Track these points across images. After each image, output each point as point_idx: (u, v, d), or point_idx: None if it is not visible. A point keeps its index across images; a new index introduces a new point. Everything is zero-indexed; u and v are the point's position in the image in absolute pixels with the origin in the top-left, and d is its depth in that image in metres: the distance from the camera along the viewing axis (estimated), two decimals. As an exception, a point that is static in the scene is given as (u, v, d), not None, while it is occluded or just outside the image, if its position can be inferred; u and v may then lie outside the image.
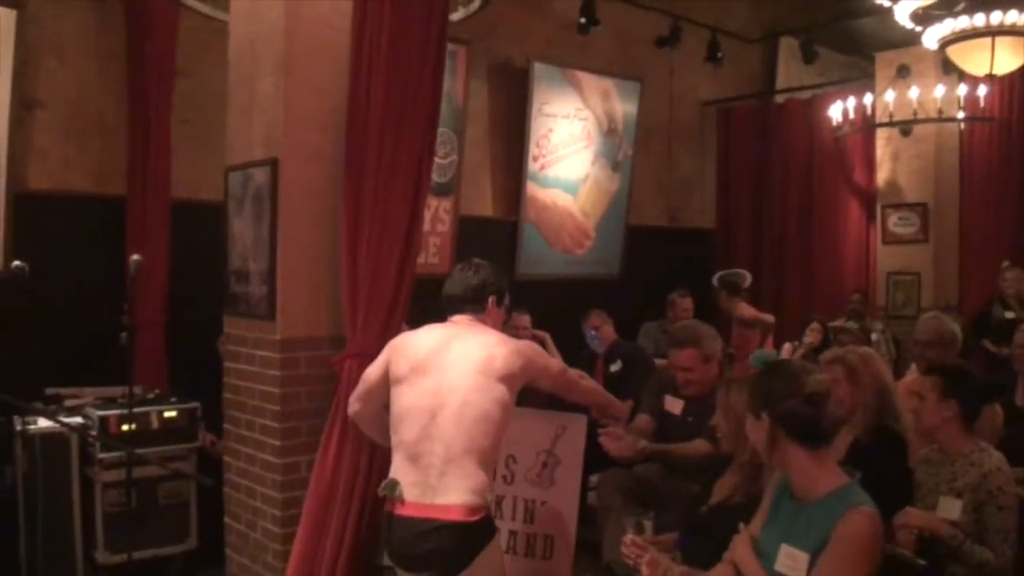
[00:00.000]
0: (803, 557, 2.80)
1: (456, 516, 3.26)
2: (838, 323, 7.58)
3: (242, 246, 4.58)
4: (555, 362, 3.93)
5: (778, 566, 2.87)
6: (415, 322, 5.18)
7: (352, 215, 4.14)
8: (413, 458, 3.37)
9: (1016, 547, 3.55)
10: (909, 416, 4.17)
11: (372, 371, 3.63)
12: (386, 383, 3.53)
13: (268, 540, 4.39)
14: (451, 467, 3.30)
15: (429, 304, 5.80)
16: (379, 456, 4.14)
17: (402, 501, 3.34)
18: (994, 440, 4.43)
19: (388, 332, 4.15)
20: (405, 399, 3.44)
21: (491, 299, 3.66)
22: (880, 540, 2.82)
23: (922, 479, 3.89)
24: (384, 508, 3.43)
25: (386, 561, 4.33)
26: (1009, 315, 7.78)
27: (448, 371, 3.41)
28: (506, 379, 3.42)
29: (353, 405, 3.72)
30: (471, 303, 3.64)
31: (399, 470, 3.41)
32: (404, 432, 3.41)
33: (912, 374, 5.24)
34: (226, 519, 4.73)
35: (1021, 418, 5.22)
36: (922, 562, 3.33)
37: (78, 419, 4.98)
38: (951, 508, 3.63)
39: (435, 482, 3.30)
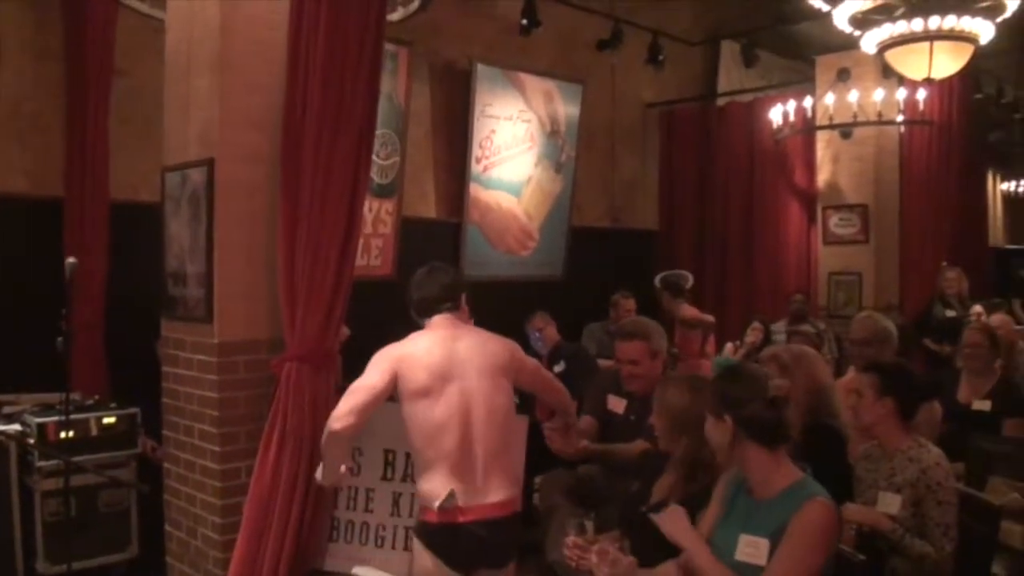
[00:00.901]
0: (763, 543, 2.85)
1: (512, 508, 3.54)
2: (801, 327, 7.63)
3: (179, 248, 4.50)
4: (532, 359, 4.01)
5: (738, 555, 2.91)
6: (357, 324, 5.18)
7: (289, 216, 4.10)
8: (456, 466, 3.47)
9: (956, 540, 3.61)
10: (848, 413, 4.23)
11: (376, 383, 3.57)
12: (385, 397, 3.58)
13: (208, 547, 4.31)
14: (493, 466, 3.50)
15: (372, 306, 5.79)
16: (318, 462, 4.11)
17: (461, 510, 3.44)
18: (933, 436, 4.50)
19: (327, 334, 4.13)
20: (438, 411, 3.52)
21: (463, 296, 3.79)
22: (836, 529, 2.89)
23: (862, 475, 3.96)
24: (436, 522, 3.47)
25: (328, 566, 4.34)
26: (950, 314, 7.93)
27: (465, 374, 3.55)
28: (508, 373, 3.65)
29: (346, 419, 3.46)
30: (448, 302, 3.75)
31: (446, 481, 3.46)
32: (445, 443, 3.48)
33: (851, 372, 5.31)
34: (166, 527, 4.64)
35: (961, 414, 5.32)
36: (862, 557, 3.37)
37: (16, 426, 4.88)
38: (890, 503, 3.69)
39: (481, 484, 3.47)
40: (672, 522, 3.03)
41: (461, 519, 3.44)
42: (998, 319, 6.60)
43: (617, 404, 4.79)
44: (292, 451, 4.06)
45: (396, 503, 4.34)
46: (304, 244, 4.07)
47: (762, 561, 2.82)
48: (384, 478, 4.38)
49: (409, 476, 4.34)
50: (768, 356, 4.52)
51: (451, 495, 3.43)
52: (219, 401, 4.21)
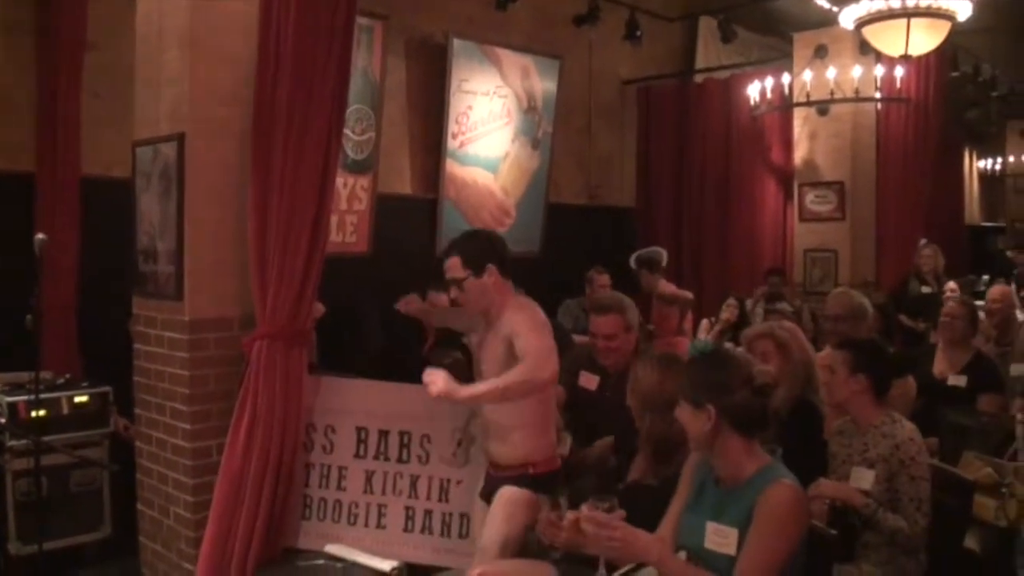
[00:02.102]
0: (732, 532, 2.82)
1: None
2: (778, 305, 7.64)
3: (149, 224, 4.46)
4: None
5: (707, 543, 2.87)
6: (333, 301, 5.14)
7: (260, 191, 4.05)
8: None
9: (929, 515, 3.64)
10: (823, 390, 4.25)
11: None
12: None
13: (181, 526, 4.30)
14: None
15: (348, 283, 5.76)
16: (289, 438, 4.10)
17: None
18: (907, 411, 4.54)
19: (298, 311, 4.09)
20: None
21: None
22: (804, 509, 2.86)
23: (836, 450, 3.98)
24: (557, 469, 3.86)
25: (300, 544, 4.32)
26: (926, 290, 7.98)
27: None
28: None
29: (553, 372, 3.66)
30: None
31: (556, 434, 3.95)
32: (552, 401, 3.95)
33: (827, 349, 5.33)
34: (139, 506, 4.61)
35: (936, 389, 5.36)
36: (834, 532, 3.38)
37: (-14, 405, 4.82)
38: (864, 478, 3.71)
39: None
40: (631, 546, 2.87)
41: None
42: (998, 291, 6.60)
43: (589, 380, 4.77)
44: (263, 429, 4.03)
45: (369, 481, 4.33)
46: (275, 219, 4.03)
47: (731, 550, 2.80)
48: (357, 456, 4.36)
49: (382, 454, 4.33)
50: (761, 332, 4.54)
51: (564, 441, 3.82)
52: (190, 379, 4.18)
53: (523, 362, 3.51)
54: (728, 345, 7.13)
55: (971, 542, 4.16)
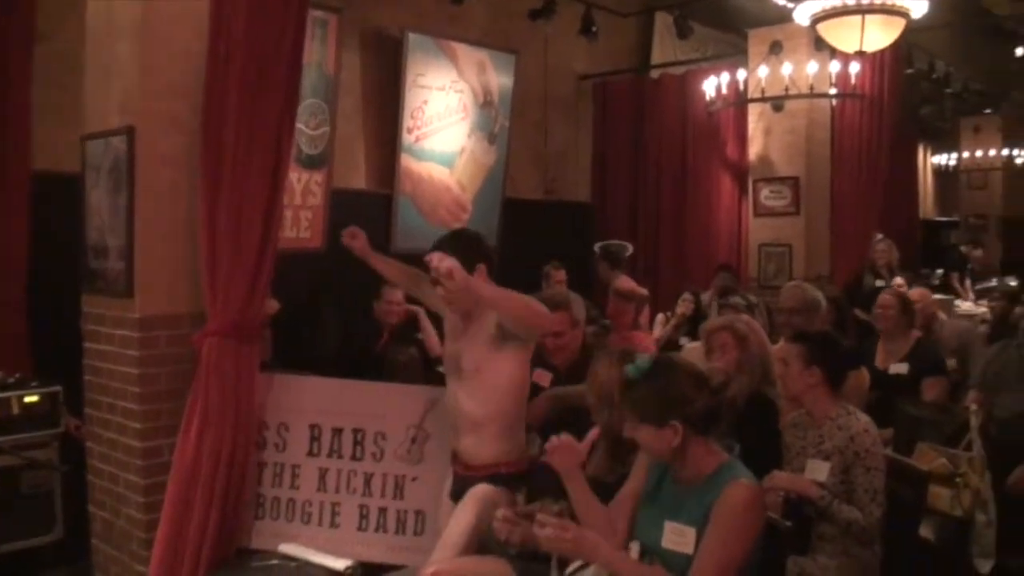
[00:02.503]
0: (689, 531, 2.83)
1: None
2: (731, 299, 7.68)
3: (99, 219, 4.38)
4: None
5: (665, 543, 2.88)
6: (287, 297, 5.10)
7: (210, 186, 3.99)
8: None
9: (883, 506, 3.67)
10: (780, 382, 4.28)
11: None
12: None
13: (133, 528, 4.23)
14: None
15: (302, 279, 5.70)
16: (241, 437, 4.05)
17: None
18: (861, 403, 4.59)
19: (250, 308, 4.04)
20: None
21: None
22: (761, 508, 2.87)
23: (791, 442, 4.01)
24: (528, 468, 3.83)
25: (254, 544, 4.28)
26: (880, 283, 8.06)
27: None
28: None
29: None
30: None
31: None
32: None
33: (781, 342, 5.37)
34: (90, 507, 4.54)
35: (880, 379, 5.42)
36: (788, 523, 3.40)
37: (-66, 405, 4.72)
38: (819, 470, 3.75)
39: None
40: (583, 546, 2.89)
41: None
42: (917, 293, 6.72)
43: (542, 377, 4.75)
44: (214, 428, 3.98)
45: (322, 479, 4.29)
46: (226, 214, 3.97)
47: (689, 550, 2.81)
48: (310, 454, 4.33)
49: (336, 451, 4.30)
50: (721, 325, 4.57)
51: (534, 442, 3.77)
52: (140, 377, 4.11)
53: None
54: (683, 339, 7.19)
55: (926, 531, 4.22)
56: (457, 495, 3.81)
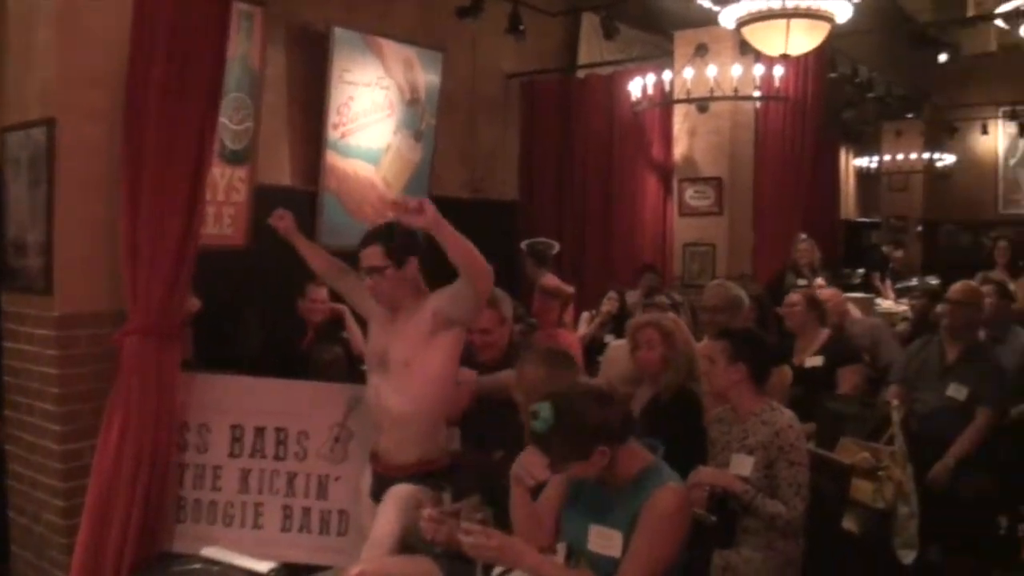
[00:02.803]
0: (616, 535, 2.85)
1: None
2: (656, 299, 7.74)
3: (19, 215, 4.28)
4: None
5: (591, 546, 2.89)
6: (210, 295, 5.00)
7: (131, 179, 3.92)
8: None
9: (807, 499, 3.74)
10: (705, 379, 4.33)
11: None
12: None
13: (53, 533, 4.14)
14: None
15: (225, 276, 5.60)
16: (162, 438, 3.97)
17: None
18: (783, 399, 4.66)
19: (171, 306, 3.97)
20: None
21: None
22: (688, 513, 2.91)
23: (716, 437, 4.07)
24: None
25: (176, 548, 4.20)
26: (801, 283, 8.19)
27: None
28: None
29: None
30: None
31: None
32: None
33: (706, 339, 5.43)
34: (10, 513, 4.43)
35: (803, 376, 5.52)
36: (713, 518, 3.43)
37: None
38: (743, 464, 3.81)
39: None
40: (507, 554, 2.90)
41: None
42: (829, 292, 6.85)
43: (467, 376, 4.74)
44: (136, 429, 3.90)
45: (244, 480, 4.24)
46: (147, 209, 3.90)
47: (616, 553, 2.83)
48: (232, 455, 4.27)
49: (258, 451, 4.24)
50: (646, 322, 4.60)
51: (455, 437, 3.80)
52: (59, 378, 4.02)
53: None
54: (609, 337, 7.22)
55: (849, 523, 4.31)
56: (377, 495, 3.80)
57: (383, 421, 3.80)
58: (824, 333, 5.85)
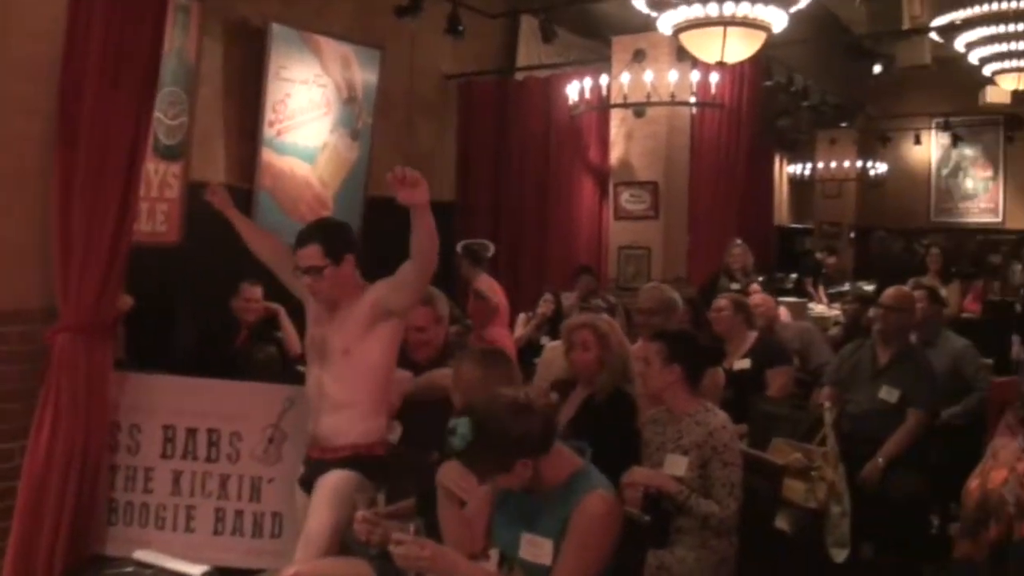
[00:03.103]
0: (546, 543, 2.84)
1: None
2: (592, 301, 7.77)
3: (-50, 207, 4.17)
4: None
5: (522, 554, 2.89)
6: (142, 293, 4.92)
7: (64, 173, 3.84)
8: None
9: (740, 499, 3.78)
10: (638, 380, 4.36)
11: None
12: None
13: (-18, 537, 4.03)
14: None
15: (157, 274, 5.52)
16: (94, 439, 3.90)
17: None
18: (717, 401, 4.71)
19: (103, 302, 3.90)
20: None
21: None
22: (618, 517, 2.90)
23: (650, 437, 4.09)
24: (383, 454, 3.82)
25: (108, 551, 4.13)
26: (734, 286, 8.27)
27: None
28: None
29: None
30: None
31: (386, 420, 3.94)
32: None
33: (640, 341, 5.47)
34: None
35: (732, 379, 5.59)
36: (647, 517, 3.45)
37: None
38: (677, 464, 3.83)
39: None
40: (439, 564, 2.86)
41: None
42: (759, 297, 6.93)
43: (401, 376, 4.72)
44: (66, 429, 3.82)
45: (176, 482, 4.17)
46: (80, 204, 3.82)
47: (547, 560, 2.83)
48: (164, 456, 4.20)
49: (190, 453, 4.18)
50: (581, 323, 4.61)
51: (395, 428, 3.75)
52: (-12, 376, 3.92)
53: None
54: (545, 339, 7.24)
55: (781, 523, 4.37)
56: (307, 481, 3.77)
57: (322, 407, 3.77)
58: (752, 336, 5.93)
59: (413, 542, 2.79)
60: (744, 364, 5.75)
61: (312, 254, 3.70)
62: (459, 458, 2.90)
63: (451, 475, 3.15)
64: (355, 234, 3.91)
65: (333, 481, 3.66)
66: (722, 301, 6.05)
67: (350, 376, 3.71)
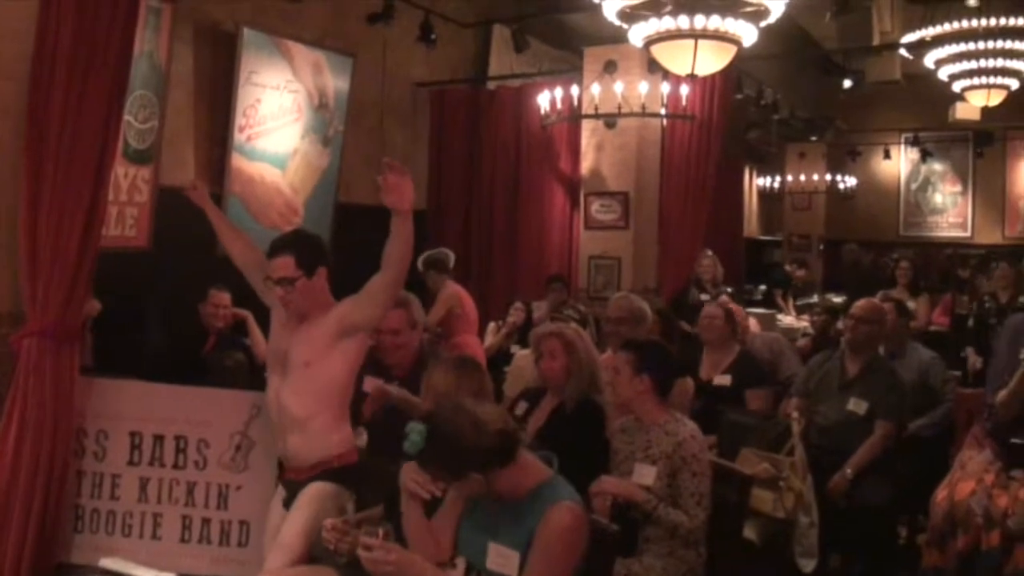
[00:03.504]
0: (513, 555, 2.85)
1: None
2: (564, 311, 7.79)
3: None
4: None
5: (489, 564, 2.89)
6: (110, 298, 4.88)
7: (32, 174, 3.79)
8: None
9: (709, 509, 3.82)
10: (608, 390, 4.37)
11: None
12: None
13: (-52, 546, 3.97)
14: None
15: (126, 279, 5.47)
16: (60, 445, 3.85)
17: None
18: (686, 411, 4.73)
19: (70, 307, 3.85)
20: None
21: None
22: (584, 529, 2.91)
23: (619, 447, 4.12)
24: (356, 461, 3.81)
25: (74, 559, 4.08)
26: (704, 297, 8.33)
27: None
28: None
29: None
30: None
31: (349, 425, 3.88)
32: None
33: (609, 351, 5.47)
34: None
35: (704, 390, 5.62)
36: (616, 527, 3.46)
37: None
38: (645, 474, 3.86)
39: None
40: (406, 571, 2.88)
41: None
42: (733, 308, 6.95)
43: (372, 384, 4.68)
44: (33, 434, 3.78)
45: (143, 489, 4.13)
46: (48, 206, 3.78)
47: (513, 572, 2.85)
48: (131, 463, 4.16)
49: (157, 460, 4.14)
50: (549, 332, 4.63)
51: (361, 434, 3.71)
52: (-45, 381, 3.87)
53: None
54: (515, 348, 7.25)
55: (749, 532, 4.39)
56: (290, 503, 3.75)
57: (283, 423, 3.74)
58: (736, 350, 5.95)
59: (380, 547, 2.79)
60: (725, 381, 5.76)
61: (285, 264, 3.69)
62: (415, 459, 2.97)
63: (411, 473, 3.15)
64: (327, 249, 3.92)
65: (312, 491, 3.67)
66: (715, 310, 6.05)
67: (310, 390, 3.69)
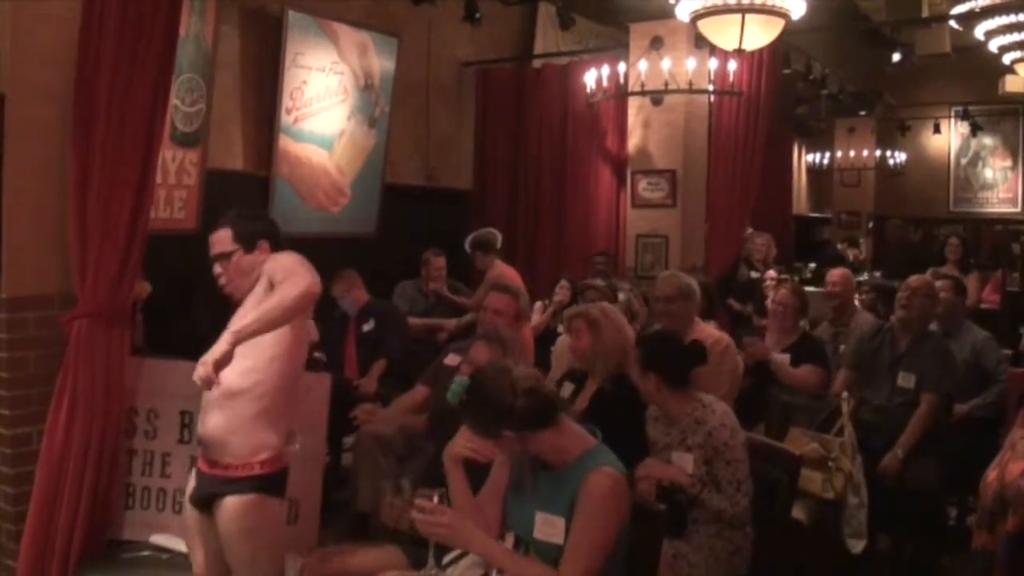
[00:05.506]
0: (559, 522, 2.87)
1: None
2: (595, 282, 7.77)
3: (-31, 194, 4.18)
4: None
5: (537, 533, 2.91)
6: (160, 279, 4.94)
7: (81, 158, 3.85)
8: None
9: (750, 493, 3.80)
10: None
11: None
12: None
13: (1, 520, 4.07)
14: None
15: (175, 260, 5.53)
16: (111, 423, 3.91)
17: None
18: (734, 389, 4.72)
19: (120, 289, 3.91)
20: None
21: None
22: (625, 495, 2.92)
23: (655, 437, 4.10)
24: (287, 466, 3.47)
25: (125, 536, 4.15)
26: (754, 275, 8.25)
27: None
28: None
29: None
30: None
31: (289, 428, 3.48)
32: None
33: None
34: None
35: (762, 369, 5.56)
36: (662, 506, 3.46)
37: None
38: (685, 461, 3.83)
39: None
40: (458, 533, 2.91)
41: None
42: (839, 273, 6.83)
43: (454, 359, 4.86)
44: (84, 414, 3.85)
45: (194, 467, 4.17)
46: (97, 189, 3.84)
47: (559, 540, 2.88)
48: (181, 441, 4.21)
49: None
50: (575, 313, 4.65)
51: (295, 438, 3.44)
52: (7, 361, 3.96)
53: (279, 286, 3.22)
54: (561, 326, 7.23)
55: (799, 513, 4.36)
56: (201, 501, 3.40)
57: (211, 398, 3.32)
58: (799, 330, 5.89)
59: (434, 508, 2.86)
60: (784, 359, 5.69)
61: (222, 239, 3.47)
62: (460, 414, 3.10)
63: (463, 440, 3.21)
64: (272, 221, 3.66)
65: (229, 512, 3.29)
66: (787, 296, 5.92)
67: (247, 358, 3.24)
